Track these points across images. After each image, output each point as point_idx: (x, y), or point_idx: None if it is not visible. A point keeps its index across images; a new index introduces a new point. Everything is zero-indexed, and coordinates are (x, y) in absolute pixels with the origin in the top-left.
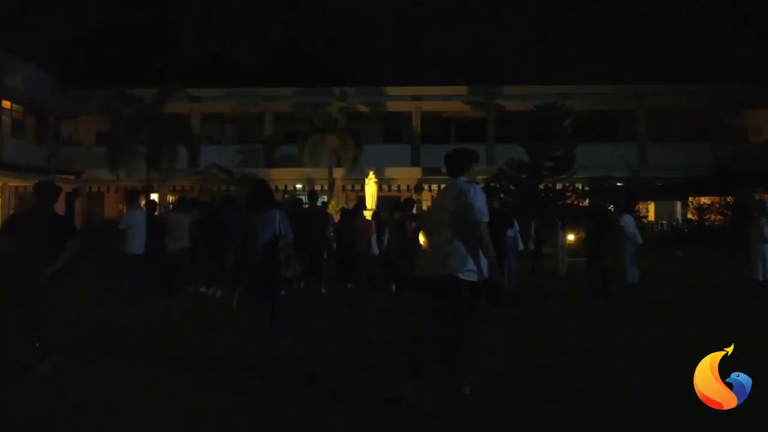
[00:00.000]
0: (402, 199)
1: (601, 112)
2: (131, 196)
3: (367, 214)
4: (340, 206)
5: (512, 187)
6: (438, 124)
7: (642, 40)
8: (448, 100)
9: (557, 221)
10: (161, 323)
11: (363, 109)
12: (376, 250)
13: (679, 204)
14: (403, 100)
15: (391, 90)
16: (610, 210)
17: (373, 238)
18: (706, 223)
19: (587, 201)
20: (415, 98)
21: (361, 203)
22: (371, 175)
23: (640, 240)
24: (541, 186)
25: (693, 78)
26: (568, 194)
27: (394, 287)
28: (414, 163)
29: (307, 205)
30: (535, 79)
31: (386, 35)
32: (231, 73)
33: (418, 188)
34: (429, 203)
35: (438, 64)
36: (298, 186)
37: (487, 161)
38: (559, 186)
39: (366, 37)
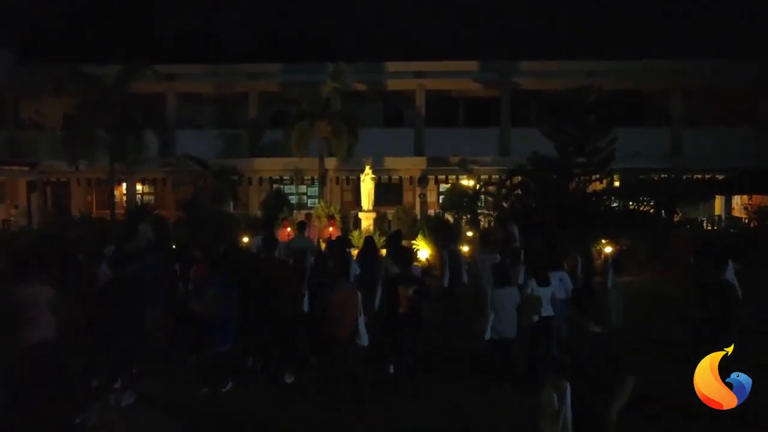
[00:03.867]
0: (402, 245)
1: (629, 91)
2: None
3: (363, 217)
4: (329, 211)
5: (531, 185)
6: (444, 105)
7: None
8: (457, 77)
9: (608, 260)
10: None
11: (360, 87)
12: (365, 340)
13: (721, 202)
14: (405, 77)
15: (392, 66)
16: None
17: (361, 320)
18: None
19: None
20: (419, 75)
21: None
22: (367, 170)
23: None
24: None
25: (736, 53)
26: (605, 199)
27: (391, 368)
28: (417, 151)
29: (263, 254)
30: (554, 53)
31: (386, 3)
32: (214, 49)
33: (422, 181)
34: (432, 197)
35: (445, 36)
36: (285, 177)
37: (500, 150)
38: (591, 187)
39: (363, 6)
